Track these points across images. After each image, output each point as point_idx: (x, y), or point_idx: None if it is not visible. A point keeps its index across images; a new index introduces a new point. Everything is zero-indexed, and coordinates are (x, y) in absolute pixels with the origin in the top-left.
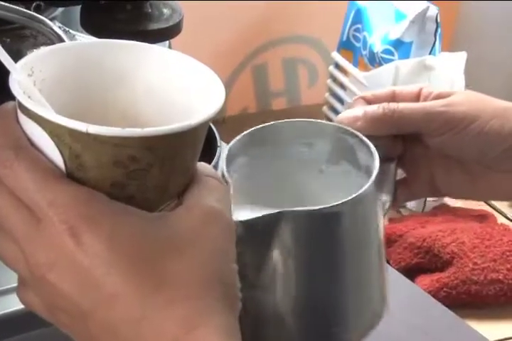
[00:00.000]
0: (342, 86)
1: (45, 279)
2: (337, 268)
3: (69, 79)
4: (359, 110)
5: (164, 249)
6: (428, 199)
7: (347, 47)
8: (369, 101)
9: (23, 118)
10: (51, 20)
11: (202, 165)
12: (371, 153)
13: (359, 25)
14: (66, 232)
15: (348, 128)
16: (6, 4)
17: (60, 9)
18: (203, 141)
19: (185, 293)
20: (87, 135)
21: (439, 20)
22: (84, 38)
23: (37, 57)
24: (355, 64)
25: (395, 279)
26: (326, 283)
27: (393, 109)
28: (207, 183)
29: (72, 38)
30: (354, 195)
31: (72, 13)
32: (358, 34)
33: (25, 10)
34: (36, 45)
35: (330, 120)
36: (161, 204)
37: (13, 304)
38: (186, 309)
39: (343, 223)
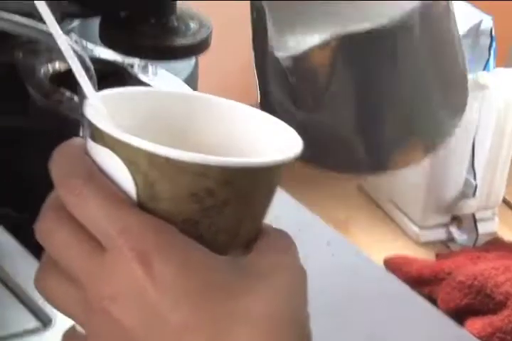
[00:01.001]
0: None
1: (107, 313)
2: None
3: (136, 124)
4: None
5: (237, 285)
6: (480, 232)
7: None
8: None
9: (94, 148)
10: (68, 32)
11: (266, 223)
12: None
13: None
14: (135, 260)
15: None
16: (21, 19)
17: (78, 21)
18: (277, 186)
19: (259, 330)
20: (167, 160)
21: (493, 34)
22: (104, 52)
23: (111, 94)
24: None
25: (442, 323)
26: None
27: None
28: (276, 236)
29: (90, 52)
30: None
31: (91, 25)
32: None
33: (41, 26)
34: (51, 61)
35: None
36: (229, 249)
37: None
38: None
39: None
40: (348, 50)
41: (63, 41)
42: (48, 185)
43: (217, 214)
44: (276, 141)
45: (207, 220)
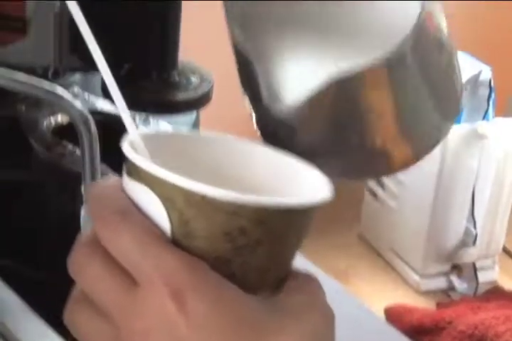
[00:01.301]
0: None
1: None
2: None
3: (171, 164)
4: None
5: (268, 324)
6: (480, 281)
7: None
8: None
9: (130, 184)
10: (70, 85)
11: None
12: None
13: None
14: (169, 296)
15: None
16: (22, 77)
17: (80, 74)
18: (308, 229)
19: None
20: (203, 198)
21: (492, 84)
22: (106, 104)
23: (149, 134)
24: None
25: None
26: None
27: None
28: (304, 278)
29: (92, 105)
30: None
31: (93, 77)
32: None
33: (42, 83)
34: (53, 114)
35: (372, 191)
36: (259, 289)
37: None
38: None
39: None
40: (345, 90)
41: (100, 57)
42: (49, 237)
43: (249, 253)
44: (306, 184)
45: (239, 259)
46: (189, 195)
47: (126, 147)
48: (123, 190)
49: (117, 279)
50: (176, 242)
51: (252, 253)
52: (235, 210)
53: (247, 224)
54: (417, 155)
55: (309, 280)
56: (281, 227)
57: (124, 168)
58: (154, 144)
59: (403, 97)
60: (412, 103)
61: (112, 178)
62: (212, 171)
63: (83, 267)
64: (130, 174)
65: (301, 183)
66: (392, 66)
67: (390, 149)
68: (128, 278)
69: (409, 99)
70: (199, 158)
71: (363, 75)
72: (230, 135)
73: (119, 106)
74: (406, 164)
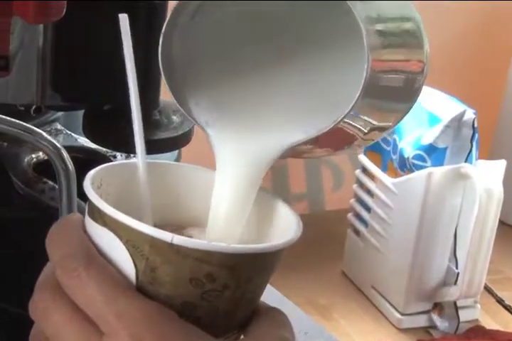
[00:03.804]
0: (369, 192)
1: None
2: None
3: (130, 196)
4: None
5: None
6: (461, 320)
7: (375, 149)
8: None
9: (93, 227)
10: (53, 121)
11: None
12: None
13: None
14: None
15: None
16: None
17: None
18: (275, 269)
19: None
20: (170, 246)
21: (476, 125)
22: (88, 141)
23: (107, 170)
24: (384, 168)
25: None
26: None
27: None
28: (272, 314)
29: (74, 141)
30: None
31: (75, 114)
32: (387, 136)
33: (19, 122)
34: (34, 150)
35: (355, 229)
36: (227, 332)
37: None
38: None
39: None
40: None
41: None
42: (27, 273)
43: (216, 298)
44: (275, 221)
45: (206, 304)
46: (155, 243)
47: (88, 190)
48: (86, 231)
49: (81, 327)
50: (141, 288)
51: (219, 298)
52: (202, 257)
53: (214, 270)
54: None
55: (277, 315)
56: (249, 271)
57: (87, 209)
58: (118, 176)
59: None
60: None
61: (75, 216)
62: (173, 198)
63: (46, 312)
64: (93, 217)
65: (268, 216)
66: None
67: None
68: (92, 326)
69: None
70: (160, 185)
71: None
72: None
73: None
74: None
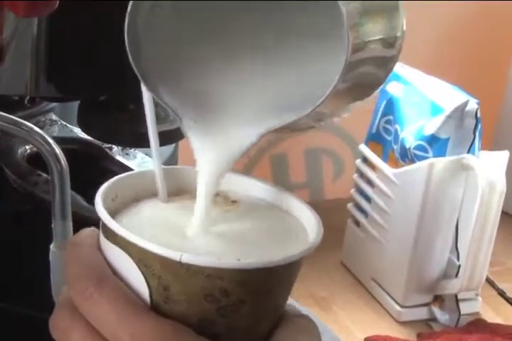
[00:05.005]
0: (370, 182)
1: None
2: None
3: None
4: None
5: None
6: (462, 312)
7: (376, 139)
8: None
9: (107, 245)
10: (48, 112)
11: (290, 305)
12: None
13: (390, 117)
14: None
15: None
16: None
17: None
18: (296, 277)
19: None
20: (180, 264)
21: (479, 115)
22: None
23: (120, 181)
24: (385, 158)
25: None
26: None
27: None
28: (298, 324)
29: (69, 132)
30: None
31: (71, 105)
32: (389, 126)
33: (10, 116)
34: (28, 142)
35: (355, 219)
36: None
37: None
38: None
39: None
40: None
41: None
42: (21, 268)
43: (233, 313)
44: (295, 225)
45: (224, 319)
46: (166, 262)
47: (99, 210)
48: (99, 248)
49: None
50: (156, 307)
51: (236, 313)
52: (214, 274)
53: (227, 286)
54: None
55: (304, 322)
56: (264, 285)
57: (101, 227)
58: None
59: None
60: None
61: (89, 231)
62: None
63: (67, 333)
64: (106, 235)
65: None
66: None
67: None
68: None
69: None
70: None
71: None
72: None
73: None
74: None
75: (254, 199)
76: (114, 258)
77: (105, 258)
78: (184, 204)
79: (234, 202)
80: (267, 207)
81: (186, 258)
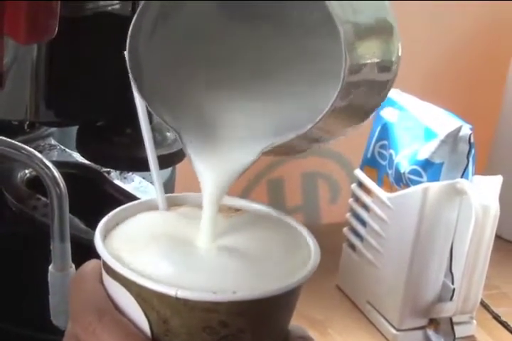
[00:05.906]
0: (365, 206)
1: None
2: None
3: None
4: None
5: None
6: (457, 336)
7: (371, 164)
8: None
9: (107, 280)
10: (47, 136)
11: (294, 327)
12: None
13: (385, 142)
14: None
15: None
16: None
17: None
18: (297, 302)
19: None
20: (176, 299)
21: (472, 140)
22: (81, 157)
23: (118, 213)
24: (380, 183)
25: None
26: None
27: None
28: None
29: (68, 157)
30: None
31: (70, 129)
32: (383, 151)
33: (9, 140)
34: (27, 166)
35: (350, 243)
36: None
37: None
38: None
39: None
40: None
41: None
42: (20, 290)
43: None
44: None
45: None
46: (163, 297)
47: (98, 247)
48: (101, 282)
49: None
50: (157, 340)
51: None
52: (211, 307)
53: (226, 318)
54: None
55: None
56: (263, 313)
57: (101, 261)
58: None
59: None
60: None
61: (93, 265)
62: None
63: None
64: (106, 271)
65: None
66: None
67: None
68: None
69: None
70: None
71: None
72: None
73: (153, 171)
74: None
75: (257, 210)
76: (115, 292)
77: (107, 292)
78: (184, 212)
79: (238, 210)
80: (270, 218)
81: (182, 293)
